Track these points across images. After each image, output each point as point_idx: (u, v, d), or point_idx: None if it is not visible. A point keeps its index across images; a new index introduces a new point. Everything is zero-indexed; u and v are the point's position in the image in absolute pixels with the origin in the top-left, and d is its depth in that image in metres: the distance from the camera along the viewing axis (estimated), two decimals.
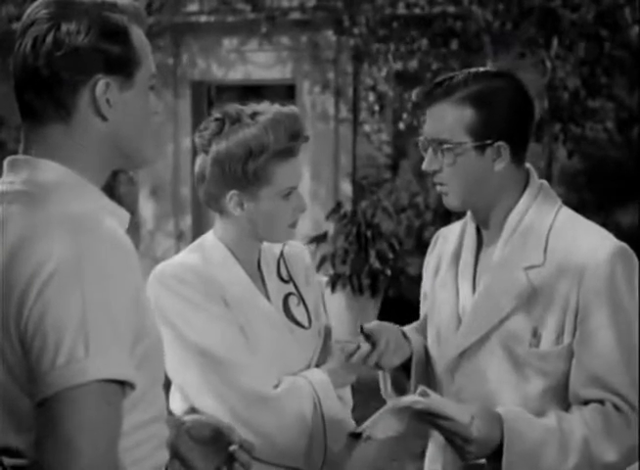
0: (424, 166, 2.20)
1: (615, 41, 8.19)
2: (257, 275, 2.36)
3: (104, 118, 1.61)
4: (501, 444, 2.04)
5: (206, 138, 2.26)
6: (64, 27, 1.57)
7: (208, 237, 2.36)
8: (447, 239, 2.38)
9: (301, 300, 2.38)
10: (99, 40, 1.58)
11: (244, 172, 2.22)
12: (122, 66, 1.61)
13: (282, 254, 2.41)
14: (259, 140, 2.20)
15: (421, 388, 2.03)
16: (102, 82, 1.59)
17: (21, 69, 1.60)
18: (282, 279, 2.38)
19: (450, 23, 8.74)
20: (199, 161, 2.30)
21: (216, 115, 2.28)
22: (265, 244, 2.38)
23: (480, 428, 2.02)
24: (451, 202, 2.20)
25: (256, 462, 2.13)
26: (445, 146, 2.14)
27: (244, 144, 2.21)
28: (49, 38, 1.57)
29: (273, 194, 2.25)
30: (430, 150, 2.18)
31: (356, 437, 2.02)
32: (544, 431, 2.07)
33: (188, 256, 2.33)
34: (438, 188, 2.22)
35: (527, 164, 2.24)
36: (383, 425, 2.00)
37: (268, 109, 2.25)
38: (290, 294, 2.37)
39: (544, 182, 2.25)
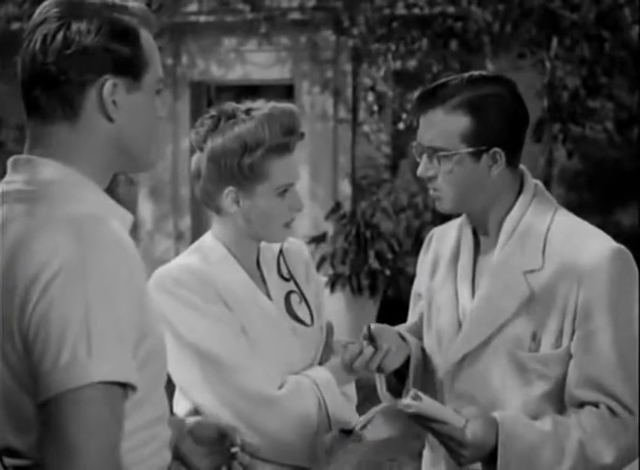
0: (419, 173, 2.19)
1: (615, 41, 8.19)
2: (257, 274, 2.35)
3: (110, 119, 1.62)
4: (496, 447, 2.04)
5: (202, 135, 2.26)
6: (74, 26, 1.58)
7: (206, 238, 2.36)
8: (443, 239, 2.37)
9: (303, 297, 2.38)
10: (109, 40, 1.59)
11: (239, 168, 2.21)
12: (131, 67, 1.62)
13: (281, 251, 2.41)
14: (255, 135, 2.20)
15: (413, 391, 2.02)
16: (110, 83, 1.60)
17: (29, 66, 1.60)
18: (282, 277, 2.38)
19: (450, 23, 8.74)
20: (194, 158, 2.29)
21: (212, 112, 2.28)
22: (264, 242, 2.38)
23: (475, 431, 2.02)
24: (445, 206, 2.20)
25: (262, 462, 2.13)
26: (441, 153, 2.13)
27: (239, 139, 2.21)
28: (59, 36, 1.57)
29: (269, 191, 2.24)
30: (424, 156, 2.17)
31: (347, 434, 2.01)
32: (539, 435, 2.07)
33: (187, 258, 2.33)
34: (432, 193, 2.21)
35: (522, 166, 2.24)
36: (373, 427, 2.00)
37: (264, 105, 2.26)
38: (291, 292, 2.36)
39: (538, 183, 2.25)
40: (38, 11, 1.61)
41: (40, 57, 1.58)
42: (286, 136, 2.23)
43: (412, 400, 1.99)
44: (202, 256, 2.31)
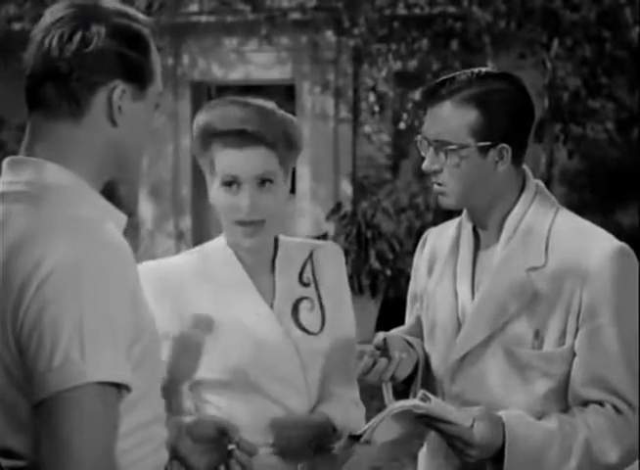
0: (424, 167, 2.17)
1: (615, 41, 8.20)
2: (266, 275, 2.32)
3: (113, 123, 1.63)
4: (502, 447, 2.04)
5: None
6: (93, 29, 1.60)
7: (217, 239, 2.35)
8: (439, 239, 2.35)
9: (320, 304, 2.34)
10: (124, 46, 1.62)
11: (200, 154, 2.22)
12: (140, 75, 1.65)
13: (311, 256, 2.35)
14: (211, 121, 2.19)
15: (422, 392, 2.02)
16: (120, 87, 1.62)
17: (41, 61, 1.61)
18: (302, 283, 2.34)
19: (450, 23, 8.75)
20: None
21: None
22: (293, 243, 2.34)
23: (482, 431, 2.02)
24: (449, 202, 2.19)
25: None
26: (449, 147, 2.13)
27: (197, 125, 2.21)
28: (77, 36, 1.60)
29: (217, 182, 2.21)
30: (431, 150, 2.16)
31: (356, 439, 2.01)
32: (545, 434, 2.07)
33: (181, 254, 2.34)
34: (436, 188, 2.19)
35: (525, 166, 2.24)
36: (382, 429, 2.00)
37: (254, 100, 2.25)
38: (304, 298, 2.33)
39: (540, 183, 2.24)
40: (51, 10, 1.64)
41: (55, 53, 1.60)
42: (237, 127, 2.17)
43: (421, 402, 1.99)
44: (201, 255, 2.31)
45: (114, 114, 1.63)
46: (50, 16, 1.63)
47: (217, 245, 2.33)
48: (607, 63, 8.33)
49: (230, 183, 2.20)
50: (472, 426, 2.01)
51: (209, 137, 2.20)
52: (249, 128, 2.18)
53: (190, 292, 2.26)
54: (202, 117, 2.21)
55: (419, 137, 2.18)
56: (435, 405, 1.99)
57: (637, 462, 2.18)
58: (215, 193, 2.21)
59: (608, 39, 8.20)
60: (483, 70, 2.17)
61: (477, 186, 2.15)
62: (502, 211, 2.19)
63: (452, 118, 2.11)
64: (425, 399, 1.99)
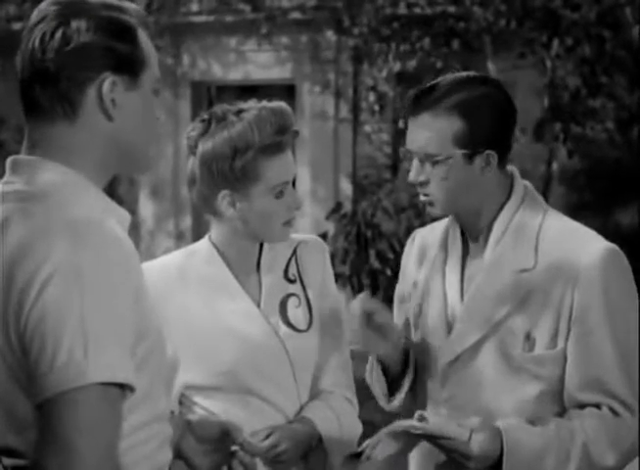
0: (410, 178, 2.15)
1: (615, 41, 8.20)
2: (251, 274, 2.33)
3: (109, 118, 1.61)
4: (501, 455, 2.04)
5: (193, 139, 2.24)
6: (73, 24, 1.58)
7: (202, 240, 2.37)
8: (428, 238, 2.34)
9: (306, 300, 2.35)
10: (108, 38, 1.59)
11: (231, 171, 2.20)
12: (129, 65, 1.62)
13: (295, 252, 2.38)
14: (244, 137, 2.18)
15: (418, 413, 2.03)
16: (109, 80, 1.60)
17: (28, 64, 1.60)
18: (288, 279, 2.36)
19: (451, 23, 8.75)
20: (189, 163, 2.28)
21: (203, 116, 2.27)
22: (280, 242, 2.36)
23: (480, 443, 2.02)
24: (436, 211, 2.18)
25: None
26: (435, 159, 2.11)
27: (229, 142, 2.19)
28: (58, 34, 1.57)
29: (264, 191, 2.22)
30: (416, 161, 2.14)
31: (356, 457, 2.03)
32: (543, 440, 2.06)
33: (168, 256, 2.38)
34: (423, 198, 2.17)
35: (512, 167, 2.22)
36: (382, 447, 2.02)
37: (254, 106, 2.24)
38: (291, 295, 2.34)
39: (528, 184, 2.23)
40: (36, 11, 1.62)
41: (39, 54, 1.58)
42: (276, 135, 2.21)
43: (418, 422, 2.00)
44: (187, 256, 2.33)
45: (108, 108, 1.60)
46: (35, 15, 1.61)
47: (201, 246, 2.34)
48: (607, 62, 8.34)
49: (283, 189, 2.24)
50: (469, 438, 2.01)
51: (251, 150, 2.19)
52: (295, 132, 2.25)
53: (176, 297, 2.28)
54: (232, 134, 2.20)
55: (401, 149, 2.18)
56: (432, 425, 2.01)
57: (637, 462, 2.19)
58: (264, 201, 2.24)
59: (608, 39, 8.20)
60: (463, 75, 2.16)
61: (464, 194, 2.15)
62: (490, 214, 2.18)
63: (435, 129, 2.10)
64: (421, 419, 2.01)
